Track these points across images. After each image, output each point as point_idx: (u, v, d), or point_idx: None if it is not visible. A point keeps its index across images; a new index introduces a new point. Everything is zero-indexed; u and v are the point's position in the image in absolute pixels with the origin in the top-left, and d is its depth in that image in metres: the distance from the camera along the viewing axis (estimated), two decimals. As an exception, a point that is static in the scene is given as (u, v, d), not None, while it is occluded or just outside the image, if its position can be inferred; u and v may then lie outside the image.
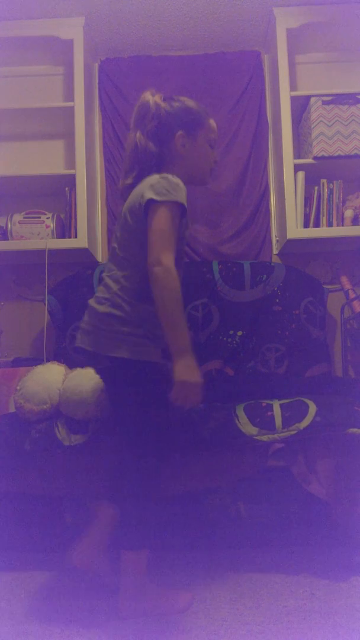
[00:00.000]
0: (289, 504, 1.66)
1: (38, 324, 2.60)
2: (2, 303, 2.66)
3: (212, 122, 1.48)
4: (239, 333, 2.29)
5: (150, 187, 1.32)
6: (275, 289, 2.32)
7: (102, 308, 1.35)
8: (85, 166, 2.44)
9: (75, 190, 2.43)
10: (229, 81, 2.67)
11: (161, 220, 1.29)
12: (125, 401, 1.39)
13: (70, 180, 2.45)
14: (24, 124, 2.63)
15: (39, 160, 2.68)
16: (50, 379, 1.79)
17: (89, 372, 1.77)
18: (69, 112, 2.48)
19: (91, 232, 2.49)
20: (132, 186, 1.42)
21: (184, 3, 2.42)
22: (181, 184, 1.34)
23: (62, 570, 1.64)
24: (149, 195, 1.30)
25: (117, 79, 2.70)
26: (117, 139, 2.67)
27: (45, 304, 2.39)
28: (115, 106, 2.68)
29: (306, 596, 1.42)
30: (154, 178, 1.34)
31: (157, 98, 1.42)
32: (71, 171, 2.47)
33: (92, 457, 1.65)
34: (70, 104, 2.49)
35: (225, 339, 2.29)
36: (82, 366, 1.87)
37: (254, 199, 2.61)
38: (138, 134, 1.40)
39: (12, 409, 1.99)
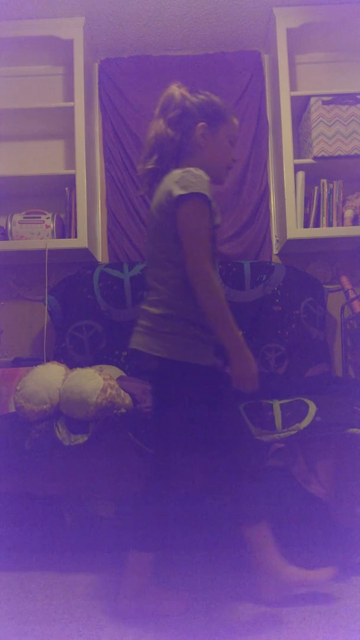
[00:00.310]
0: (289, 504, 1.66)
1: (38, 324, 2.60)
2: (2, 303, 2.66)
3: (235, 120, 1.48)
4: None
5: (175, 183, 1.32)
6: (275, 289, 2.32)
7: (155, 310, 1.36)
8: (85, 166, 2.44)
9: (75, 190, 2.43)
10: (229, 81, 2.67)
11: (191, 218, 1.31)
12: (176, 404, 1.39)
13: (70, 180, 2.45)
14: (24, 124, 2.63)
15: (39, 160, 2.68)
16: (50, 379, 1.79)
17: (88, 372, 1.77)
18: (69, 112, 2.48)
19: (91, 232, 2.49)
20: (153, 172, 1.43)
21: (184, 3, 2.42)
22: (204, 175, 1.34)
23: (62, 570, 1.64)
24: (177, 191, 1.31)
25: (117, 79, 2.70)
26: (117, 139, 2.67)
27: (45, 304, 2.39)
28: (115, 106, 2.68)
29: (306, 596, 1.42)
30: (177, 174, 1.34)
31: (183, 90, 1.44)
32: (71, 171, 2.47)
33: (92, 457, 1.65)
34: (70, 104, 2.49)
35: (225, 339, 2.29)
36: (82, 366, 1.87)
37: (254, 199, 2.61)
38: (160, 122, 1.42)
39: (12, 409, 1.99)
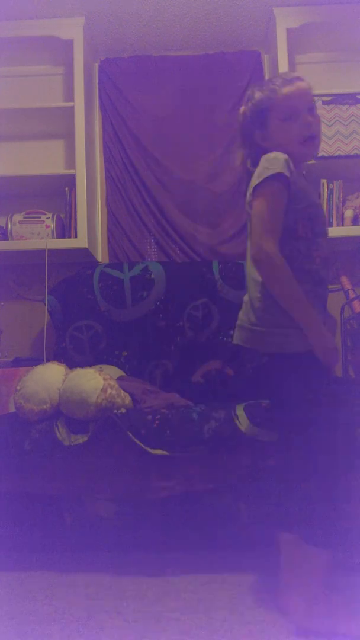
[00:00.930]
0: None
1: (38, 324, 2.59)
2: (2, 303, 2.66)
3: (285, 90, 1.40)
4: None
5: (255, 175, 1.37)
6: (275, 289, 2.32)
7: (255, 303, 1.37)
8: (85, 166, 2.44)
9: (75, 190, 2.43)
10: (229, 81, 2.67)
11: (260, 203, 1.33)
12: (286, 397, 1.36)
13: (70, 180, 2.45)
14: (24, 124, 2.63)
15: (39, 160, 2.68)
16: (50, 379, 1.79)
17: (88, 372, 1.77)
18: (69, 112, 2.48)
19: (91, 232, 2.49)
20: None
21: (184, 3, 2.42)
22: (280, 155, 1.34)
23: (62, 570, 1.64)
24: (254, 181, 1.34)
25: (117, 79, 2.70)
26: (117, 139, 2.67)
27: (45, 304, 2.39)
28: (115, 106, 2.68)
29: (306, 596, 1.42)
30: (258, 168, 1.38)
31: (242, 107, 1.49)
32: (71, 171, 2.47)
33: (92, 457, 1.65)
34: (70, 104, 2.49)
35: (225, 339, 2.29)
36: (82, 366, 1.87)
37: (254, 199, 2.61)
38: (240, 152, 1.50)
39: (12, 409, 1.99)
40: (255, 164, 1.43)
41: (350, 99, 2.37)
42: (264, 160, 1.35)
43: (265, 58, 2.73)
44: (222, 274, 2.34)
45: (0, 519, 1.73)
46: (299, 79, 1.43)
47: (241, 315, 1.44)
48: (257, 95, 1.45)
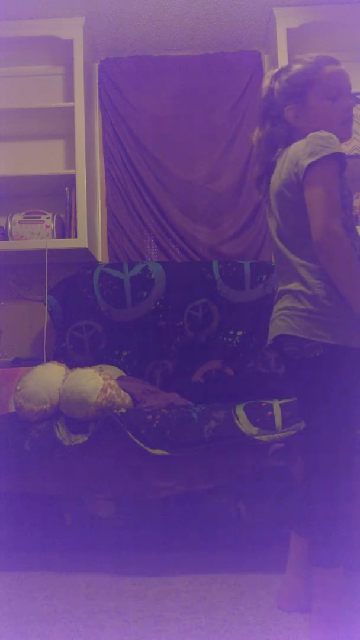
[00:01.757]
0: (289, 504, 1.66)
1: (38, 324, 2.59)
2: (2, 303, 2.66)
3: (330, 69, 1.32)
4: (239, 333, 2.29)
5: (302, 151, 1.23)
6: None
7: (309, 290, 1.23)
8: (85, 166, 2.44)
9: (75, 190, 2.43)
10: (229, 81, 2.67)
11: (321, 182, 1.20)
12: (332, 396, 1.24)
13: (70, 180, 2.45)
14: (24, 124, 2.63)
15: (39, 160, 2.68)
16: (50, 379, 1.79)
17: (88, 372, 1.77)
18: (69, 112, 2.48)
19: (91, 232, 2.49)
20: (264, 167, 1.38)
21: (184, 3, 2.42)
22: (332, 134, 1.25)
23: (62, 570, 1.64)
24: (307, 160, 1.21)
25: (117, 79, 2.70)
26: (117, 139, 2.67)
27: (45, 304, 2.39)
28: (115, 106, 2.68)
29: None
30: (300, 143, 1.25)
31: (267, 80, 1.37)
32: (71, 171, 2.47)
33: (92, 457, 1.65)
34: (70, 104, 2.49)
35: (225, 339, 2.29)
36: (82, 366, 1.87)
37: (254, 199, 2.60)
38: (257, 130, 1.38)
39: (12, 409, 1.99)
40: (283, 141, 1.34)
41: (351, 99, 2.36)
42: (316, 138, 1.23)
43: (265, 58, 2.72)
44: (222, 274, 2.34)
45: (0, 519, 1.73)
46: (338, 61, 1.36)
47: (286, 303, 1.28)
48: (297, 67, 1.33)
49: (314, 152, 1.21)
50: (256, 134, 1.39)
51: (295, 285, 1.27)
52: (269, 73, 1.40)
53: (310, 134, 1.24)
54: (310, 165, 1.20)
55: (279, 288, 1.35)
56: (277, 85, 1.35)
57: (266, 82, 1.38)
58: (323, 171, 1.21)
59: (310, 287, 1.23)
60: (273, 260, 2.58)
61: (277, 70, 1.38)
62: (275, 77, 1.36)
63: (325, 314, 1.21)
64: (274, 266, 1.42)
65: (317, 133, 1.24)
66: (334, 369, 1.22)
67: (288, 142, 1.33)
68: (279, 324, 1.28)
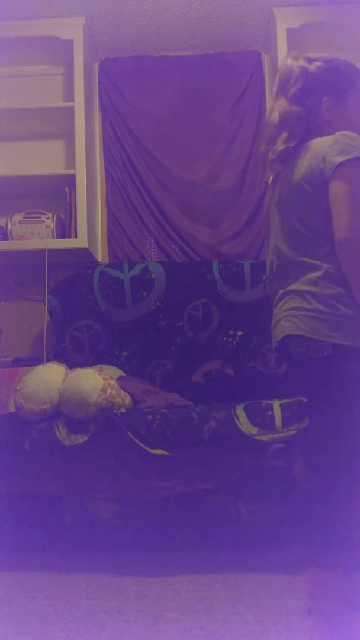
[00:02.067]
0: (289, 504, 1.66)
1: (38, 324, 2.59)
2: (2, 303, 2.66)
3: None
4: (239, 333, 2.29)
5: (330, 148, 1.21)
6: (275, 289, 2.32)
7: (319, 290, 1.22)
8: (85, 166, 2.44)
9: (75, 190, 2.43)
10: (229, 81, 2.67)
11: (350, 182, 1.18)
12: (344, 398, 1.23)
13: (70, 180, 2.45)
14: (24, 124, 2.62)
15: (39, 160, 2.68)
16: (50, 379, 1.79)
17: (88, 372, 1.77)
18: (69, 112, 2.48)
19: (91, 232, 2.49)
20: (285, 151, 1.30)
21: (184, 3, 2.42)
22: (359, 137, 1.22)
23: (62, 570, 1.64)
24: (336, 158, 1.18)
25: (117, 79, 2.70)
26: (117, 139, 2.67)
27: (45, 304, 2.39)
28: (115, 106, 2.68)
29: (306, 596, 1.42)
30: (328, 139, 1.23)
31: (301, 61, 1.32)
32: (71, 171, 2.47)
33: (92, 457, 1.65)
34: (70, 104, 2.49)
35: (225, 339, 2.29)
36: (82, 366, 1.87)
37: (254, 199, 2.61)
38: (281, 100, 1.31)
39: (12, 409, 1.99)
40: (301, 128, 1.30)
41: None
42: (346, 137, 1.21)
43: (265, 58, 2.72)
44: (222, 274, 2.34)
45: (0, 519, 1.73)
46: None
47: (292, 304, 1.27)
48: (339, 63, 1.32)
49: (346, 151, 1.19)
50: (283, 107, 1.31)
51: (301, 286, 1.25)
52: (294, 53, 1.35)
53: (339, 133, 1.23)
54: (341, 164, 1.18)
55: (282, 289, 1.32)
56: (312, 68, 1.31)
57: (300, 62, 1.32)
58: (354, 171, 1.19)
59: (320, 287, 1.22)
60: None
61: (301, 54, 1.33)
62: (309, 60, 1.32)
63: (335, 314, 1.20)
64: (269, 267, 1.39)
65: (345, 132, 1.22)
66: (343, 369, 1.21)
67: (306, 131, 1.30)
68: (285, 325, 1.27)
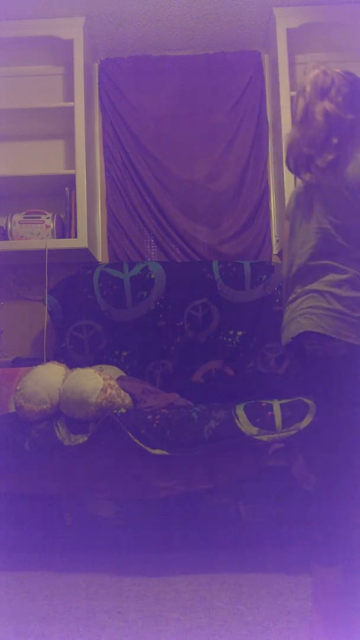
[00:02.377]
0: (289, 504, 1.66)
1: (38, 324, 2.59)
2: (2, 303, 2.66)
3: None
4: (239, 333, 2.29)
5: None
6: (275, 289, 2.31)
7: (343, 292, 1.26)
8: (85, 166, 2.44)
9: (75, 190, 2.43)
10: (229, 81, 2.67)
11: None
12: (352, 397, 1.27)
13: (70, 180, 2.45)
14: (24, 124, 2.63)
15: (39, 160, 2.68)
16: (50, 379, 1.79)
17: (88, 372, 1.77)
18: (69, 112, 2.48)
19: (91, 232, 2.49)
20: (336, 159, 1.31)
21: (184, 3, 2.42)
22: None
23: (62, 570, 1.64)
24: None
25: (117, 79, 2.70)
26: (117, 139, 2.67)
27: (45, 304, 2.39)
28: (115, 106, 2.68)
29: (306, 596, 1.42)
30: None
31: (338, 70, 1.36)
32: (71, 171, 2.47)
33: (92, 457, 1.65)
34: (70, 104, 2.49)
35: (225, 339, 2.29)
36: (82, 366, 1.87)
37: (254, 199, 2.61)
38: (325, 103, 1.32)
39: (12, 409, 1.99)
40: (347, 133, 1.31)
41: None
42: None
43: (265, 58, 2.72)
44: (222, 274, 2.34)
45: (0, 519, 1.73)
46: None
47: (312, 302, 1.30)
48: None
49: None
50: (331, 109, 1.32)
51: (322, 286, 1.29)
52: (324, 68, 1.37)
53: None
54: None
55: (300, 288, 1.35)
56: (349, 78, 1.35)
57: (331, 72, 1.35)
58: None
59: (343, 289, 1.27)
60: (273, 260, 2.59)
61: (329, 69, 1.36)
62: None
63: (353, 316, 1.25)
64: (288, 267, 1.42)
65: None
66: (354, 369, 1.25)
67: (351, 136, 1.31)
68: (303, 321, 1.30)
